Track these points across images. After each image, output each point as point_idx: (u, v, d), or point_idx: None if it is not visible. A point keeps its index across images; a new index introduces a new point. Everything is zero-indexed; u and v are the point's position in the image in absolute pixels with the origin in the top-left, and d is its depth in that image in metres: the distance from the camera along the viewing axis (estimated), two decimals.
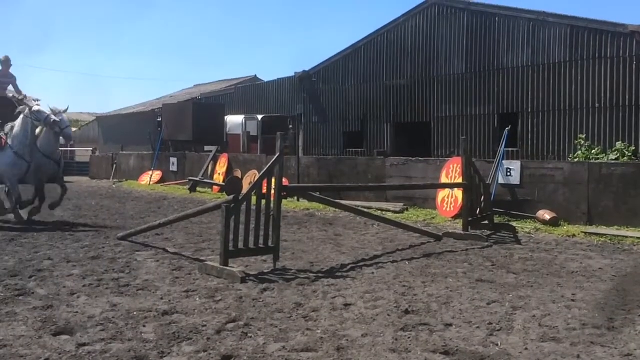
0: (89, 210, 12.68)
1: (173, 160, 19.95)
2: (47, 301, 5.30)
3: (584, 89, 14.88)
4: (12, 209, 10.25)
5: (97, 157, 26.54)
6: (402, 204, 12.41)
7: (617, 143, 13.91)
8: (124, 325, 4.63)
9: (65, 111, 10.34)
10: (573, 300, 5.48)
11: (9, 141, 10.04)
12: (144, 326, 4.62)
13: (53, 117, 9.90)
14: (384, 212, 11.65)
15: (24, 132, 9.96)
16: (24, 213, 10.37)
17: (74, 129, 39.62)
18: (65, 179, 24.46)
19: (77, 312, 4.99)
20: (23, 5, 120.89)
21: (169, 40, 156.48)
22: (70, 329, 4.51)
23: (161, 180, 19.94)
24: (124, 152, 24.83)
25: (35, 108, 9.89)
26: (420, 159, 13.14)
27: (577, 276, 6.59)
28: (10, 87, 11.18)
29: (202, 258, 7.25)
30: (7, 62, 11.10)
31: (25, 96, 10.41)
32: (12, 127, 10.11)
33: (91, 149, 29.52)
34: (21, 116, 10.04)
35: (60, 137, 10.38)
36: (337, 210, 11.28)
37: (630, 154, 13.49)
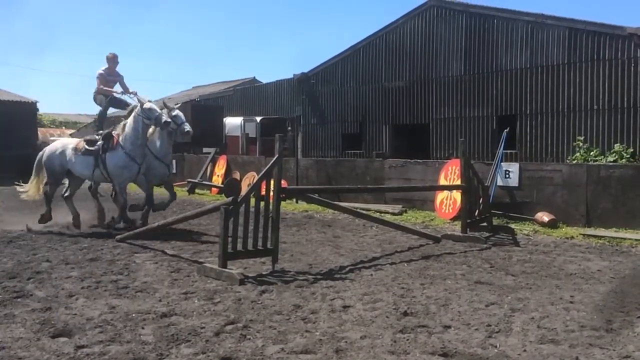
0: (89, 213, 12.65)
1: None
2: (45, 303, 5.30)
3: (583, 91, 14.91)
4: (120, 214, 9.78)
5: None
6: (400, 206, 12.42)
7: (615, 145, 13.93)
8: (123, 327, 4.63)
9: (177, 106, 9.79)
10: (571, 302, 5.49)
11: (121, 141, 9.50)
12: (143, 328, 4.62)
13: (164, 117, 9.39)
14: (382, 214, 11.65)
15: (135, 132, 9.41)
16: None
17: (72, 131, 39.70)
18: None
19: (75, 314, 4.98)
20: (19, 7, 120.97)
21: (167, 42, 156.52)
22: (69, 331, 4.51)
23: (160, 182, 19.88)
24: None
25: (146, 105, 9.35)
26: (418, 160, 13.15)
27: (575, 278, 6.59)
28: (118, 86, 10.67)
29: (201, 260, 7.25)
30: (114, 59, 10.54)
31: (135, 93, 9.99)
32: (124, 126, 9.62)
33: None
34: (132, 114, 9.52)
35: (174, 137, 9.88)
36: (335, 212, 11.28)
37: (628, 156, 13.51)
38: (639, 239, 8.88)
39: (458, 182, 9.90)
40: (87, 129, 37.82)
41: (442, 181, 11.75)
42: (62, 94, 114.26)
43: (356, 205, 12.03)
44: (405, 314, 5.05)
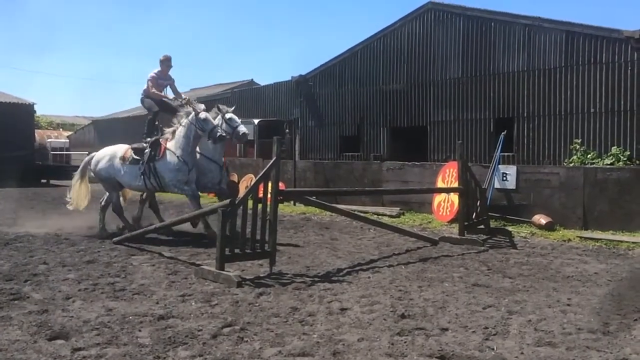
0: (84, 214, 12.62)
1: None
2: (42, 305, 5.29)
3: (580, 94, 14.93)
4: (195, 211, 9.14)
5: None
6: (398, 208, 12.43)
7: (612, 148, 13.95)
8: (120, 329, 4.62)
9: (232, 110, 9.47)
10: (568, 305, 5.50)
11: (170, 146, 9.19)
12: (140, 331, 4.61)
13: (219, 131, 9.01)
14: (380, 217, 11.66)
15: (186, 140, 9.08)
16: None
17: (69, 133, 39.63)
18: (60, 182, 24.42)
19: (72, 316, 4.97)
20: (17, 9, 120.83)
21: (165, 43, 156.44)
22: (66, 334, 4.50)
23: None
24: None
25: (202, 115, 9.01)
26: (416, 163, 13.16)
27: (572, 281, 6.60)
28: (169, 90, 10.23)
29: (198, 262, 7.24)
30: (167, 62, 10.04)
31: (187, 99, 9.60)
32: (174, 132, 9.30)
33: (87, 152, 29.38)
34: (185, 121, 9.20)
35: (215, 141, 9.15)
36: (333, 214, 11.29)
37: (625, 159, 13.53)
38: (636, 242, 8.91)
39: (455, 185, 9.92)
40: (83, 131, 37.80)
41: (440, 184, 11.77)
42: (59, 95, 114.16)
43: (354, 207, 12.04)
44: (402, 316, 5.06)
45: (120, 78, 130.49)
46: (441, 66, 18.22)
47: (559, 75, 15.35)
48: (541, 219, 10.21)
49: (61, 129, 44.33)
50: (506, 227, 10.39)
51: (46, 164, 26.96)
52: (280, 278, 6.53)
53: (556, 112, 15.41)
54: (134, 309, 5.21)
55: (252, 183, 6.92)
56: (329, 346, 4.30)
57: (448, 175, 11.60)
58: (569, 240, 9.40)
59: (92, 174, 10.15)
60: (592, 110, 14.71)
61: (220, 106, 9.55)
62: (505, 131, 13.21)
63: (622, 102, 14.17)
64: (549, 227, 10.07)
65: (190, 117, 9.15)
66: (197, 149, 9.36)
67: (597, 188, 10.05)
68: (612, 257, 8.10)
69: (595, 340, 4.49)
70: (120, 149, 9.75)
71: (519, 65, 16.17)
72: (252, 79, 34.84)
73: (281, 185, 7.48)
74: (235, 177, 16.31)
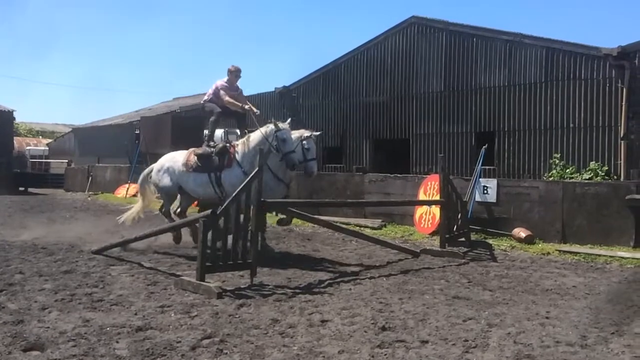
0: (63, 223, 12.47)
1: None
2: (17, 316, 5.18)
3: (559, 109, 15.16)
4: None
5: (72, 169, 26.18)
6: (380, 220, 12.46)
7: (590, 163, 14.17)
8: (97, 341, 4.55)
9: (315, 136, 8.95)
10: (547, 318, 5.54)
11: (239, 158, 8.73)
12: (117, 342, 4.54)
13: (296, 158, 8.49)
14: (362, 228, 11.67)
15: (255, 154, 8.08)
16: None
17: (49, 141, 39.14)
18: (39, 191, 24.13)
19: (48, 327, 4.88)
20: None
21: (148, 52, 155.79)
22: (41, 345, 4.41)
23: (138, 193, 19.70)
24: (100, 165, 24.54)
25: (282, 135, 8.41)
26: (398, 175, 13.23)
27: (551, 294, 6.67)
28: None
29: (178, 273, 7.17)
30: (236, 72, 9.69)
31: (258, 113, 9.36)
32: (246, 141, 8.81)
33: (66, 161, 29.09)
34: (259, 134, 8.71)
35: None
36: (315, 225, 11.27)
37: (603, 174, 13.75)
38: (613, 256, 9.03)
39: (437, 197, 9.98)
40: (63, 139, 37.35)
41: (422, 196, 11.83)
42: (39, 103, 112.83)
43: (336, 219, 12.04)
44: (383, 328, 5.05)
45: (102, 86, 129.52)
46: (424, 80, 18.39)
47: (539, 90, 15.58)
48: (521, 233, 10.31)
49: (40, 137, 43.83)
50: (487, 240, 10.47)
51: (25, 172, 26.61)
52: (261, 289, 6.50)
53: (536, 127, 15.62)
54: (111, 320, 5.14)
55: (234, 193, 6.89)
56: (309, 358, 4.28)
57: (430, 188, 11.67)
58: (548, 253, 9.50)
59: (153, 186, 9.75)
60: (571, 125, 14.94)
61: (306, 133, 8.94)
62: (487, 145, 13.35)
63: (600, 118, 14.42)
64: (528, 241, 10.16)
65: (268, 130, 8.61)
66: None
67: (576, 202, 10.18)
68: (590, 271, 8.20)
69: (574, 353, 4.53)
70: (180, 155, 9.34)
71: (500, 80, 16.39)
72: None
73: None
74: None
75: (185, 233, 9.06)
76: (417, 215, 11.85)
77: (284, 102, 23.08)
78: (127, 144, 23.82)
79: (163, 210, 9.65)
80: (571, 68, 15.00)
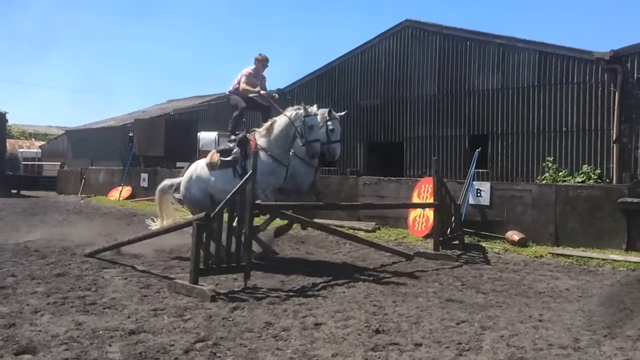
0: (56, 226, 12.41)
1: (144, 176, 19.71)
2: (9, 319, 5.15)
3: (552, 112, 15.23)
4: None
5: (65, 171, 26.08)
6: (374, 223, 12.47)
7: (583, 166, 14.24)
8: (89, 344, 4.52)
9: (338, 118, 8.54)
10: (540, 321, 5.56)
11: (263, 144, 8.32)
12: (110, 345, 4.52)
13: (318, 149, 8.14)
14: (356, 231, 11.68)
15: (285, 137, 8.21)
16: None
17: (41, 143, 38.95)
18: (31, 193, 23.97)
19: (40, 330, 4.85)
20: None
21: (142, 54, 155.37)
22: (33, 348, 4.39)
23: (131, 196, 19.66)
24: (93, 167, 24.44)
25: (310, 122, 8.04)
26: (392, 178, 13.24)
27: (544, 296, 6.69)
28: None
29: (172, 276, 7.15)
30: (263, 61, 9.40)
31: (274, 96, 9.09)
32: (270, 126, 8.45)
33: (59, 163, 28.97)
34: (284, 119, 8.33)
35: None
36: (309, 228, 11.26)
37: (596, 177, 13.83)
38: (606, 259, 9.07)
39: (431, 200, 10.00)
40: (56, 141, 37.20)
41: (415, 199, 11.85)
42: (32, 105, 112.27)
43: (330, 222, 12.04)
44: (377, 331, 5.05)
45: (95, 88, 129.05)
46: (417, 83, 18.44)
47: (532, 94, 15.66)
48: (514, 235, 10.35)
49: (33, 139, 43.63)
50: (480, 243, 10.50)
51: (17, 174, 26.47)
52: (255, 292, 6.48)
53: (529, 130, 15.70)
54: (104, 323, 5.11)
55: (228, 196, 6.88)
56: None
57: (423, 191, 11.69)
58: (541, 256, 9.54)
59: (183, 203, 9.19)
60: (564, 128, 15.02)
61: (333, 112, 8.62)
62: (480, 148, 13.39)
63: (592, 122, 14.50)
64: (521, 244, 10.20)
65: (294, 114, 8.23)
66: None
67: (569, 205, 10.23)
68: (583, 274, 8.23)
69: (566, 356, 4.54)
70: (202, 160, 9.01)
71: (493, 84, 16.46)
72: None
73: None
74: None
75: (176, 236, 8.99)
76: (411, 218, 11.86)
77: (278, 105, 23.08)
78: (120, 147, 23.76)
79: None
80: (564, 72, 15.08)
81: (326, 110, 8.56)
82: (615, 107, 13.92)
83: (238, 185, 6.84)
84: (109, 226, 12.42)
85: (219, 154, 8.70)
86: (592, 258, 9.18)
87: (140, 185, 19.68)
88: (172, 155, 20.91)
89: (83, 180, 23.05)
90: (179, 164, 20.26)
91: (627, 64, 13.80)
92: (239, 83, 9.30)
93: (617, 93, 13.88)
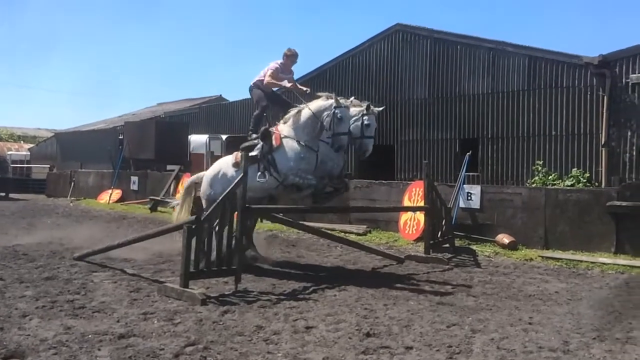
0: (44, 229, 12.31)
1: (134, 178, 19.62)
2: None
3: (542, 116, 15.35)
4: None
5: (55, 174, 25.88)
6: (365, 226, 12.47)
7: (572, 170, 14.36)
8: (78, 348, 4.49)
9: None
10: (530, 324, 5.58)
11: (289, 132, 8.02)
12: (99, 350, 4.49)
13: (344, 143, 7.78)
14: (347, 234, 11.67)
15: (313, 124, 7.90)
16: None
17: (30, 145, 38.66)
18: (20, 196, 23.75)
19: (29, 334, 4.81)
20: None
21: (132, 57, 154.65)
22: (21, 353, 4.35)
23: (121, 199, 19.55)
24: (83, 170, 24.29)
25: (339, 113, 7.69)
26: (383, 182, 13.27)
27: (534, 299, 6.72)
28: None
29: (162, 279, 7.11)
30: (292, 57, 9.06)
31: (303, 90, 8.59)
32: (297, 114, 8.16)
33: (48, 166, 28.77)
34: (313, 106, 8.03)
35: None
36: (300, 231, 11.26)
37: (585, 181, 13.95)
38: (595, 262, 9.13)
39: (422, 204, 10.02)
40: (45, 143, 36.94)
41: (406, 202, 11.88)
42: (21, 107, 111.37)
43: (321, 225, 12.03)
44: (368, 334, 5.05)
45: (84, 91, 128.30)
46: (408, 87, 18.51)
47: (522, 98, 15.77)
48: (504, 239, 10.39)
49: (22, 142, 43.30)
50: (470, 246, 10.53)
51: (6, 177, 26.22)
52: (246, 296, 6.46)
53: (519, 134, 15.80)
54: (93, 327, 5.07)
55: (219, 199, 6.86)
56: None
57: (414, 194, 11.71)
58: (531, 259, 9.58)
59: (204, 199, 8.62)
60: (553, 132, 15.14)
61: (373, 107, 8.11)
62: (470, 151, 13.46)
63: (581, 126, 14.63)
64: (511, 247, 10.24)
65: (325, 103, 7.93)
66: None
67: (558, 209, 10.29)
68: (572, 277, 8.28)
69: (556, 359, 4.57)
70: (228, 158, 8.68)
71: (484, 88, 16.56)
72: (220, 95, 34.64)
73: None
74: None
75: (165, 240, 8.95)
76: (401, 222, 11.88)
77: (305, 99, 23.10)
78: (110, 149, 23.63)
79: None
80: (553, 76, 15.21)
81: (365, 103, 8.23)
82: (604, 111, 14.05)
83: (229, 189, 6.82)
84: (98, 229, 12.34)
85: (243, 152, 8.15)
86: (581, 261, 9.24)
87: (130, 189, 19.58)
88: (162, 158, 20.83)
89: (72, 183, 22.88)
90: (169, 167, 20.21)
91: (616, 68, 13.95)
92: (264, 76, 8.96)
93: (605, 97, 14.02)
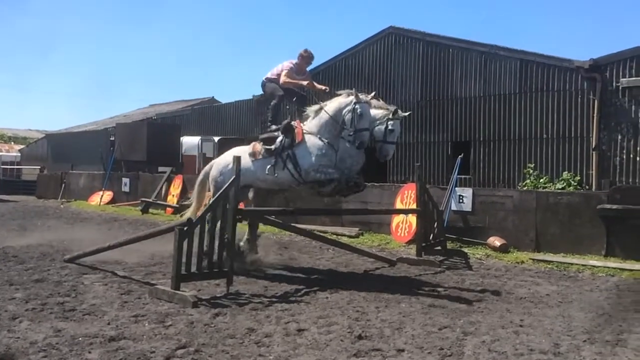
0: (34, 231, 12.23)
1: (125, 180, 19.53)
2: None
3: (533, 120, 15.43)
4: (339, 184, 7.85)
5: (45, 175, 25.72)
6: (357, 229, 12.48)
7: (563, 173, 14.44)
8: (68, 351, 4.46)
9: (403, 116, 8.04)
10: (521, 326, 5.60)
11: (311, 128, 7.84)
12: (90, 352, 4.46)
13: (366, 138, 7.59)
14: (339, 237, 11.68)
15: (334, 123, 7.69)
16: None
17: (21, 146, 38.39)
18: (10, 198, 23.60)
19: (18, 337, 4.77)
20: None
21: (124, 58, 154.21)
22: (11, 356, 4.31)
23: (112, 201, 19.46)
24: (74, 171, 24.16)
25: (359, 109, 7.48)
26: (375, 184, 13.27)
27: (525, 302, 6.74)
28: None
29: (153, 282, 7.08)
30: (307, 58, 8.96)
31: (322, 89, 8.45)
32: (317, 112, 7.97)
33: (39, 167, 28.59)
34: (334, 104, 7.80)
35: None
36: (292, 234, 11.25)
37: (575, 184, 14.02)
38: (585, 264, 9.18)
39: (414, 206, 10.04)
40: (36, 144, 36.73)
41: (399, 205, 11.89)
42: (11, 108, 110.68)
43: (313, 227, 12.03)
44: (359, 337, 5.05)
45: (76, 93, 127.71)
46: (401, 89, 18.55)
47: (514, 101, 15.84)
48: (496, 241, 10.43)
49: (12, 143, 43.02)
50: (462, 249, 10.56)
51: None
52: (237, 298, 6.45)
53: (510, 137, 15.87)
54: (84, 329, 5.04)
55: (210, 201, 6.84)
56: None
57: (406, 197, 11.74)
58: (522, 262, 9.62)
59: (213, 185, 8.46)
60: (544, 136, 15.22)
61: (400, 111, 8.05)
62: (462, 154, 13.50)
63: (572, 129, 14.72)
64: (503, 249, 10.28)
65: (346, 100, 7.72)
66: None
67: (549, 212, 10.34)
68: (563, 279, 8.32)
69: None
70: (245, 147, 8.43)
71: (476, 91, 16.62)
72: (213, 97, 34.62)
73: (240, 204, 7.42)
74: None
75: (156, 243, 8.91)
76: (394, 224, 11.90)
77: (261, 110, 23.06)
78: (101, 151, 23.52)
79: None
80: (544, 80, 15.30)
81: (392, 107, 8.11)
82: (595, 114, 14.14)
83: (220, 191, 6.80)
84: (89, 231, 12.27)
85: (261, 143, 8.19)
86: (572, 264, 9.29)
87: (122, 190, 19.49)
88: (154, 160, 20.77)
89: (63, 185, 22.75)
90: (161, 169, 20.16)
91: (606, 72, 14.04)
92: (277, 75, 8.81)
93: (596, 101, 14.11)
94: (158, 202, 16.81)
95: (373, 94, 8.07)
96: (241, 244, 8.59)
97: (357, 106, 7.55)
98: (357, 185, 8.12)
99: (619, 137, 13.88)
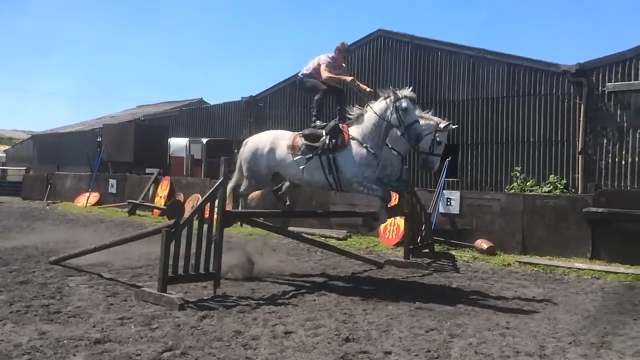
0: (19, 232, 12.10)
1: (112, 182, 19.39)
2: None
3: (520, 123, 15.55)
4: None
5: (31, 176, 25.46)
6: (345, 231, 12.48)
7: (550, 176, 14.56)
8: (53, 354, 4.41)
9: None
10: (507, 328, 5.64)
11: (357, 135, 7.44)
12: (75, 355, 4.42)
13: (420, 130, 7.26)
14: (327, 239, 11.68)
15: (377, 129, 7.31)
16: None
17: (6, 147, 37.98)
18: None
19: (2, 340, 4.72)
20: None
21: (112, 59, 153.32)
22: None
23: (99, 202, 19.30)
24: (60, 172, 23.93)
25: (403, 104, 7.12)
26: None
27: (511, 304, 6.78)
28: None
29: (139, 284, 7.03)
30: (344, 52, 8.62)
31: (367, 90, 8.07)
32: (359, 117, 7.55)
33: (24, 168, 28.29)
34: (378, 106, 7.41)
35: None
36: (280, 236, 11.22)
37: (562, 187, 14.15)
38: (571, 267, 9.26)
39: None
40: (22, 145, 36.35)
41: None
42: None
43: (301, 229, 12.01)
44: (347, 339, 5.05)
45: (64, 92, 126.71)
46: None
47: (501, 104, 15.95)
48: (483, 244, 10.48)
49: None
50: (450, 251, 10.61)
51: None
52: (225, 300, 6.42)
53: (498, 140, 15.97)
54: (69, 332, 4.99)
55: (199, 203, 6.81)
56: None
57: (394, 200, 11.75)
58: (509, 264, 9.68)
59: (244, 161, 8.11)
60: (531, 139, 15.33)
61: (442, 124, 8.04)
62: (450, 157, 13.56)
63: (559, 133, 14.85)
64: (490, 252, 10.34)
65: (386, 101, 7.32)
66: None
67: (536, 215, 10.42)
68: (549, 282, 8.38)
69: None
70: (285, 135, 8.01)
71: (464, 94, 16.72)
72: (201, 98, 34.47)
73: (228, 206, 7.39)
74: (181, 197, 16.04)
75: (142, 244, 8.85)
76: (381, 227, 11.91)
77: (250, 111, 23.02)
78: (88, 152, 23.33)
79: (241, 192, 8.24)
80: (532, 83, 15.42)
81: (443, 122, 8.07)
82: (581, 118, 14.29)
83: (209, 193, 6.78)
84: (75, 233, 12.16)
85: (303, 138, 7.72)
86: (557, 266, 9.36)
87: (109, 192, 19.34)
88: (141, 161, 20.62)
89: (49, 186, 22.53)
90: (148, 170, 20.02)
91: (593, 77, 14.20)
92: (315, 70, 8.48)
93: (582, 105, 14.26)
94: (145, 203, 16.70)
95: (410, 88, 7.59)
96: None
97: (397, 104, 7.18)
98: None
99: (605, 141, 14.03)
